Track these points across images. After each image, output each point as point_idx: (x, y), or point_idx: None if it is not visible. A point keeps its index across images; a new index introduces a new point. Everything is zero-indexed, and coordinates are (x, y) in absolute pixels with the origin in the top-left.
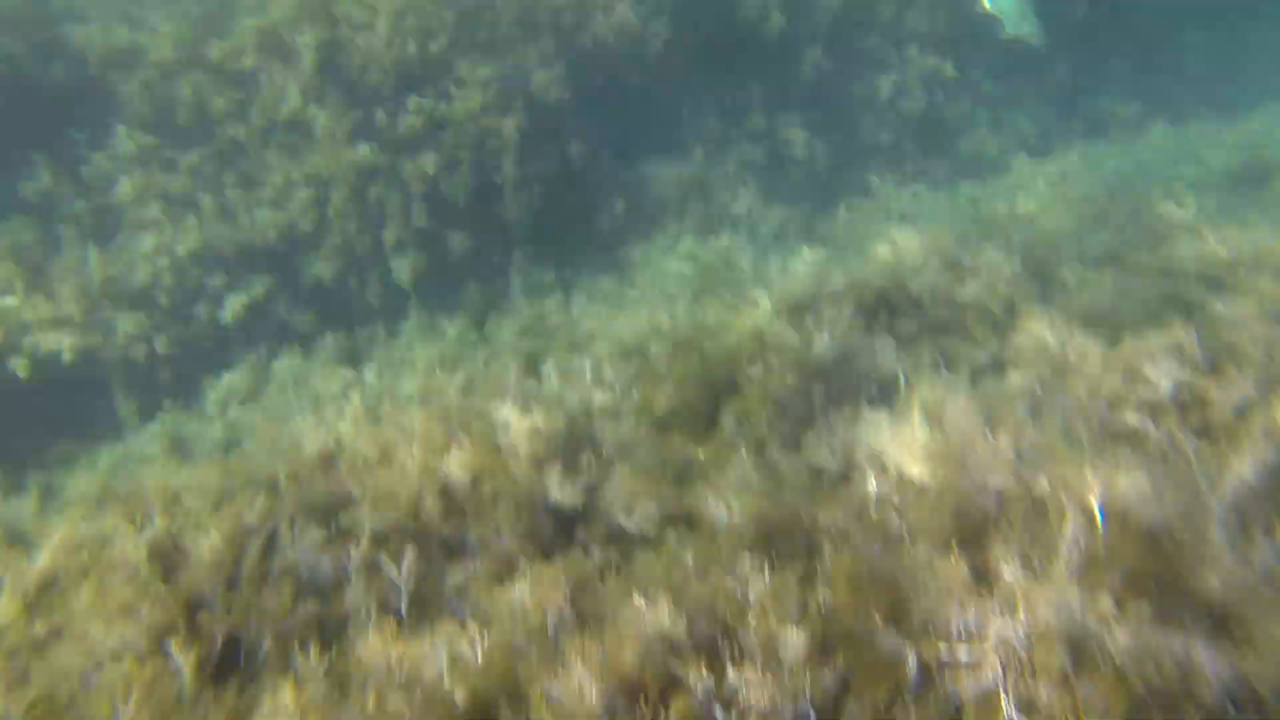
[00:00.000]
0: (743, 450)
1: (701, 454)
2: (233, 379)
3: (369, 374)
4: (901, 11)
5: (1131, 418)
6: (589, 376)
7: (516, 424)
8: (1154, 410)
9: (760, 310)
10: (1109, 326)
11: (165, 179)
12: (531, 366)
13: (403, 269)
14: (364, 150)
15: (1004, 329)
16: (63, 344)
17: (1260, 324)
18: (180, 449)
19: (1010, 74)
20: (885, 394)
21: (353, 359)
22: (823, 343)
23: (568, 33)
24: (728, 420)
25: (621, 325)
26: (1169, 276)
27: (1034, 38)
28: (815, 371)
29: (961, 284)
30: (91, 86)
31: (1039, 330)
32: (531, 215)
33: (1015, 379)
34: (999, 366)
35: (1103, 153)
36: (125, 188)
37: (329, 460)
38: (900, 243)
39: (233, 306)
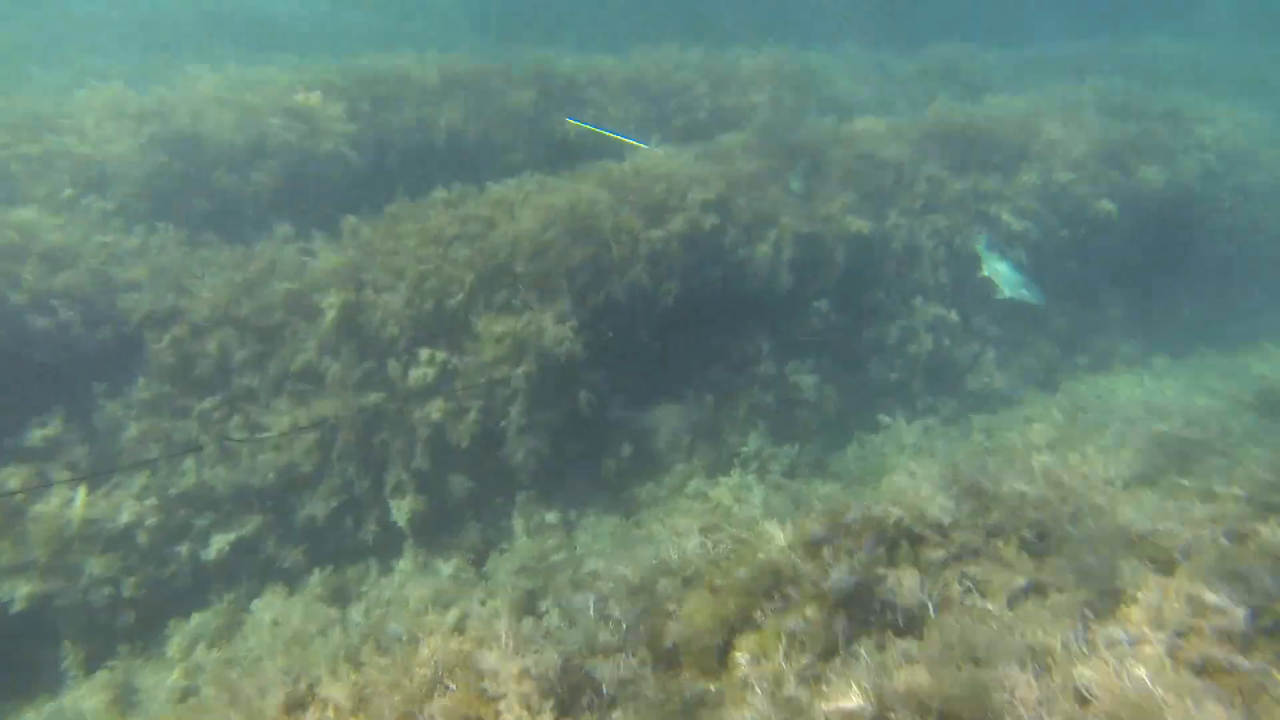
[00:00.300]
0: (758, 687)
1: (713, 688)
2: (203, 619)
3: (356, 613)
4: (907, 270)
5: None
6: (591, 612)
7: (505, 667)
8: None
9: (775, 544)
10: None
11: (172, 424)
12: (531, 605)
13: (401, 509)
14: (373, 398)
15: (1040, 553)
16: (18, 592)
17: None
18: (127, 702)
19: (1012, 319)
20: (911, 623)
21: (341, 598)
22: (843, 573)
23: (582, 292)
24: (741, 656)
25: (627, 562)
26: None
27: (1033, 298)
28: (836, 603)
29: (987, 511)
30: (128, 345)
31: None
32: (537, 460)
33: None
34: (1040, 590)
35: (1108, 383)
36: (131, 432)
37: (296, 710)
38: (918, 472)
39: (218, 544)
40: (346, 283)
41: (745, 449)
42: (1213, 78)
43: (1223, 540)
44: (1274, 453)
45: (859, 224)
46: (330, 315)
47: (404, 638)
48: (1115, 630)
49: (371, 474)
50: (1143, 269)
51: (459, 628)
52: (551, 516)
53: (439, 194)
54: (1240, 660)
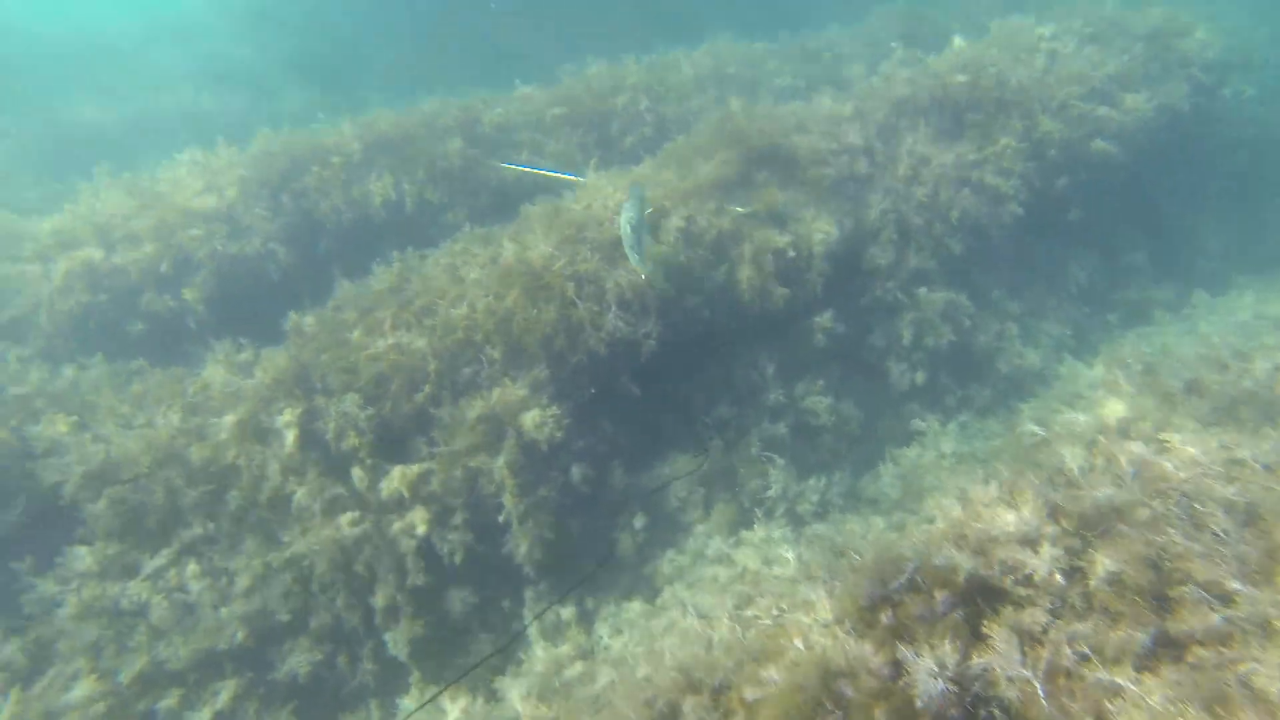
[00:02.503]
0: None
1: None
2: None
3: None
4: (899, 257)
5: None
6: None
7: None
8: None
9: (817, 619)
10: None
11: (118, 589)
12: None
13: (398, 640)
14: (345, 520)
15: (1167, 605)
16: None
17: None
18: None
19: (1029, 287)
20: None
21: None
22: (925, 672)
23: (559, 356)
24: None
25: (647, 671)
26: None
27: (640, 267)
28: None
29: (1089, 551)
30: (53, 517)
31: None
32: (542, 550)
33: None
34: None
35: (1158, 335)
36: (70, 608)
37: None
38: (975, 496)
39: None
40: (294, 391)
41: (769, 493)
42: None
43: None
44: None
45: (824, 229)
46: (291, 436)
47: None
48: None
49: (360, 604)
50: (1156, 205)
51: None
52: (566, 613)
53: (379, 274)
54: None
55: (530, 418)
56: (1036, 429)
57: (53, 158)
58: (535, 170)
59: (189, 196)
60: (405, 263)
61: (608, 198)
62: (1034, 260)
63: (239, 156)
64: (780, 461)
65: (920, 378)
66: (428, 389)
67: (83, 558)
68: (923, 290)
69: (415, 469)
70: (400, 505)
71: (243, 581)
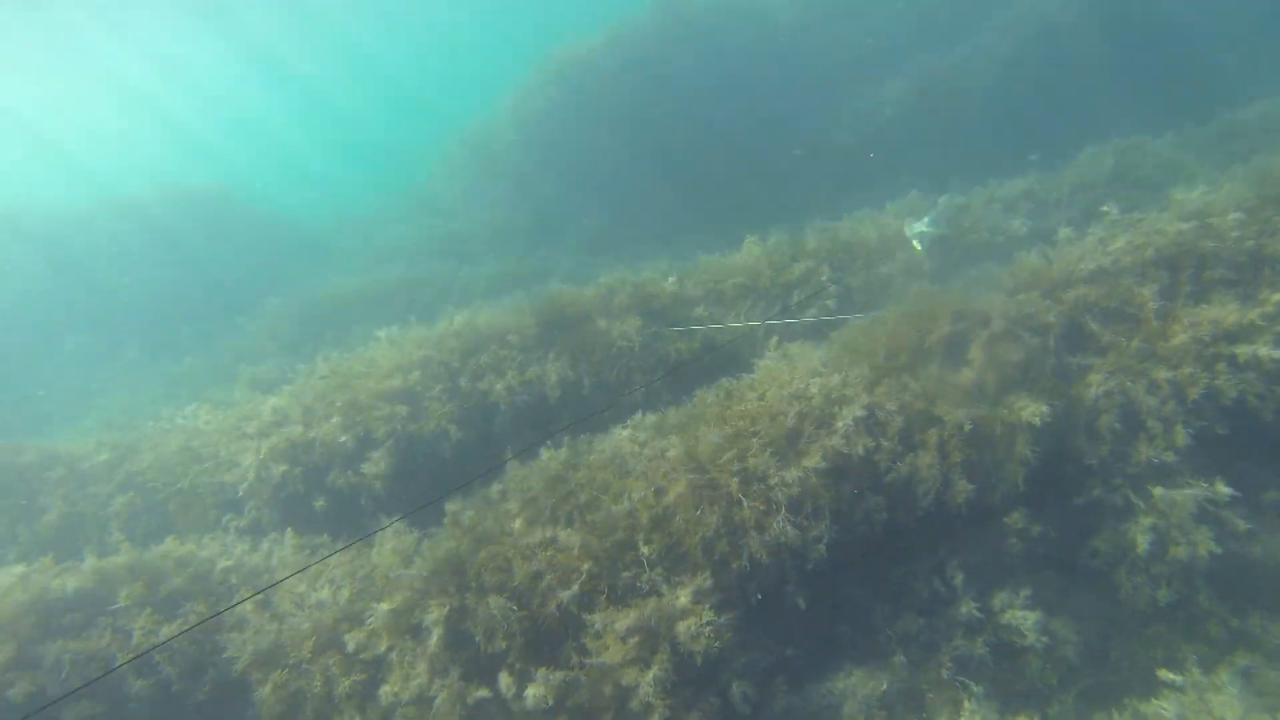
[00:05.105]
0: None
1: None
2: None
3: None
4: (1124, 442)
5: None
6: None
7: None
8: None
9: None
10: None
11: None
12: None
13: None
14: None
15: None
16: None
17: None
18: None
19: None
20: None
21: None
22: None
23: (721, 563)
24: None
25: None
26: None
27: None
28: None
29: None
30: (231, 705)
31: None
32: None
33: None
34: None
35: None
36: None
37: None
38: None
39: None
40: (448, 587)
41: None
42: None
43: None
44: None
45: (1032, 410)
46: (437, 632)
47: None
48: None
49: None
50: None
51: None
52: None
53: (545, 457)
54: None
55: (685, 626)
56: None
57: (301, 330)
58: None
59: (380, 379)
60: (571, 450)
61: (784, 385)
62: None
63: (426, 334)
64: (977, 690)
65: (1167, 598)
66: (574, 589)
67: None
68: (1158, 490)
69: (561, 674)
70: (545, 714)
71: None
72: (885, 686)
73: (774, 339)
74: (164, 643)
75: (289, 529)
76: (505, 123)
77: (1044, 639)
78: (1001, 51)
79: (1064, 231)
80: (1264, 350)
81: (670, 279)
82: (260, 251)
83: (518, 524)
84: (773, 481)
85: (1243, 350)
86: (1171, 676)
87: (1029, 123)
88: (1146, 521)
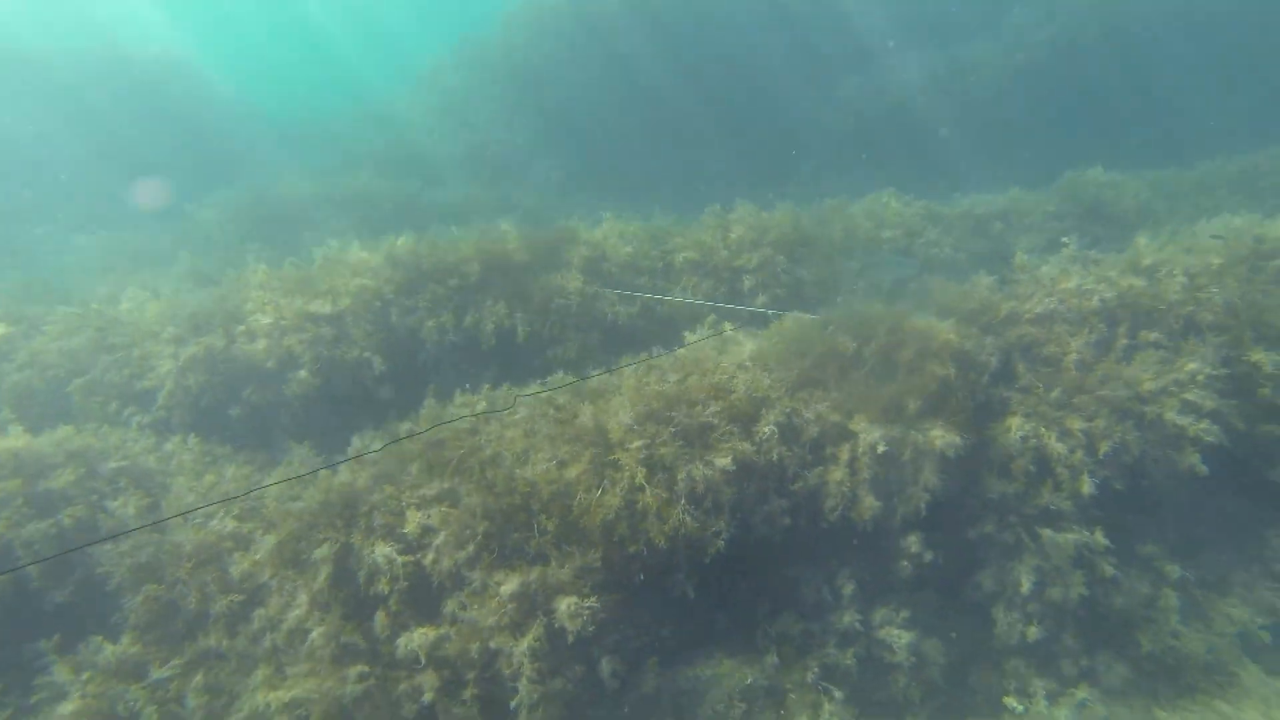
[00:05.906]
0: None
1: None
2: None
3: None
4: (1019, 489)
5: None
6: None
7: None
8: None
9: None
10: None
11: (121, 689)
12: None
13: None
14: (353, 673)
15: None
16: None
17: None
18: None
19: (1205, 550)
20: None
21: None
22: None
23: (618, 544)
24: None
25: None
26: None
27: None
28: None
29: None
30: (94, 606)
31: None
32: None
33: None
34: None
35: None
36: (71, 703)
37: None
38: None
39: None
40: (336, 521)
41: None
42: None
43: None
44: None
45: (946, 440)
46: (324, 572)
47: None
48: None
49: None
50: None
51: None
52: None
53: (457, 406)
54: None
55: (566, 604)
56: None
57: (251, 228)
58: (666, 299)
59: (310, 299)
60: (491, 401)
61: (707, 374)
62: (1218, 518)
63: (368, 259)
64: (838, 695)
65: (1036, 634)
66: (470, 549)
67: (102, 650)
68: (1047, 531)
69: (434, 631)
70: (413, 663)
71: (237, 717)
72: (750, 680)
73: (710, 316)
74: (44, 559)
75: (193, 435)
76: (496, 49)
77: (913, 659)
78: (1012, 61)
79: (1020, 258)
80: (1169, 415)
81: (626, 247)
82: (219, 137)
83: (415, 468)
84: (679, 475)
85: (1151, 411)
86: (1014, 704)
87: (1022, 136)
88: (1032, 562)
